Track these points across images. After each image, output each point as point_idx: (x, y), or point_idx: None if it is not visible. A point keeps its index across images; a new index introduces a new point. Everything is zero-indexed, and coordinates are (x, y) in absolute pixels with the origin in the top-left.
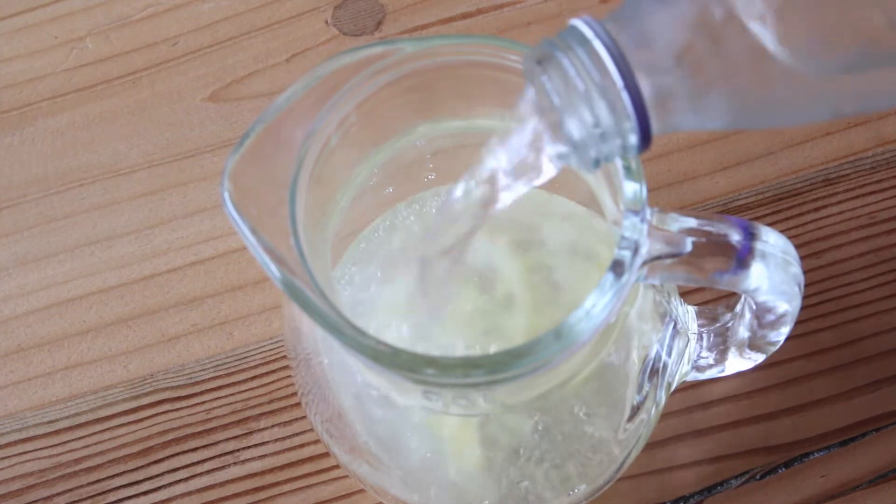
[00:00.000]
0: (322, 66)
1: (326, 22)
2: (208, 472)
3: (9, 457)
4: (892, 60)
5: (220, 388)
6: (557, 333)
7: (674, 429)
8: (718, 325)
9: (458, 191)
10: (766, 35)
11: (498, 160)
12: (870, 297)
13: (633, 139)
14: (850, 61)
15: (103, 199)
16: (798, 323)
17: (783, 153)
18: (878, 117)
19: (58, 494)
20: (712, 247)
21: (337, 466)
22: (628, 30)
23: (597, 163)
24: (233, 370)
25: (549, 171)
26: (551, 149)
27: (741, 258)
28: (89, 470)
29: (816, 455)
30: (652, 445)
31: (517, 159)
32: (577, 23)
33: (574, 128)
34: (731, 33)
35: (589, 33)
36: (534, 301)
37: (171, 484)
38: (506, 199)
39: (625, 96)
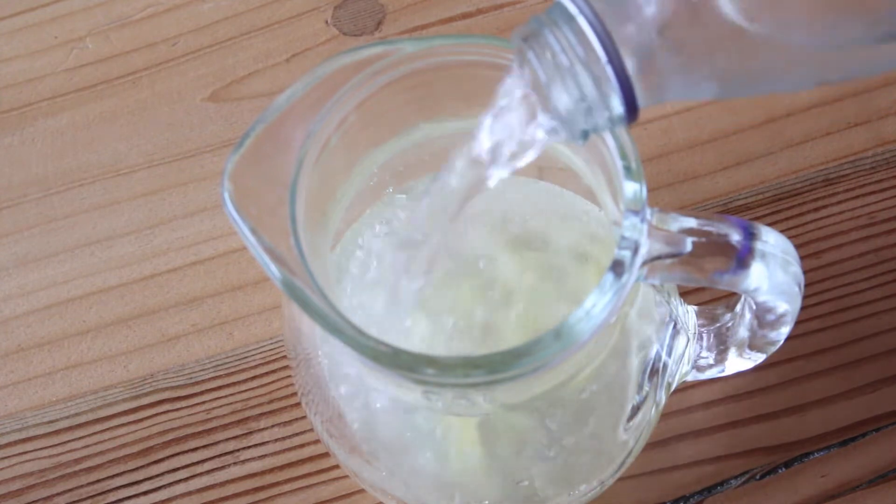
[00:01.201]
0: (322, 66)
1: (326, 22)
2: (208, 472)
3: (9, 457)
4: (874, 33)
5: (220, 388)
6: (557, 333)
7: (674, 429)
8: (718, 325)
9: (449, 169)
10: (749, 12)
11: (489, 136)
12: (870, 297)
13: (619, 111)
14: (833, 37)
15: (103, 199)
16: (798, 323)
17: (783, 153)
18: (878, 117)
19: (58, 494)
20: (712, 247)
21: (337, 466)
22: (614, 3)
23: (585, 135)
24: (233, 370)
25: (538, 146)
26: (541, 122)
27: (741, 258)
28: (89, 470)
29: (816, 455)
30: (652, 445)
31: (508, 135)
32: (563, 0)
33: (561, 102)
34: (714, 6)
35: (573, 9)
36: (532, 298)
37: (171, 484)
38: (496, 177)
39: (608, 70)
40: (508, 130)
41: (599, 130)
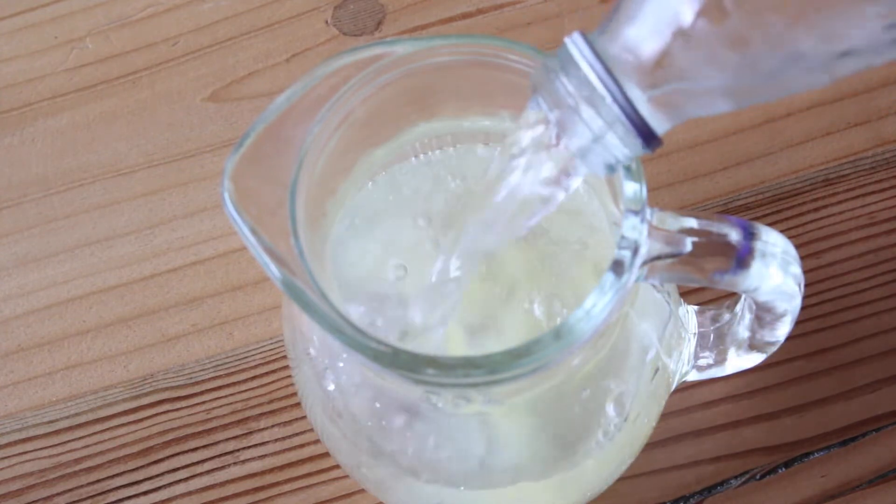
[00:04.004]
0: (322, 66)
1: (326, 22)
2: (208, 472)
3: (9, 457)
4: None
5: (220, 388)
6: (557, 333)
7: (674, 429)
8: (718, 325)
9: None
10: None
11: (523, 177)
12: (870, 297)
13: (638, 144)
14: (828, 35)
15: (103, 199)
16: (798, 323)
17: (783, 153)
18: (877, 117)
19: (58, 494)
20: (712, 247)
21: (337, 466)
22: (617, 37)
23: (611, 169)
24: (233, 370)
25: (573, 181)
26: (566, 160)
27: (741, 258)
28: (89, 470)
29: (816, 455)
30: (652, 445)
31: (539, 178)
32: (567, 42)
33: (577, 142)
34: (706, 27)
35: (575, 53)
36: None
37: (171, 484)
38: (542, 210)
39: (616, 110)
40: (538, 175)
41: (625, 162)
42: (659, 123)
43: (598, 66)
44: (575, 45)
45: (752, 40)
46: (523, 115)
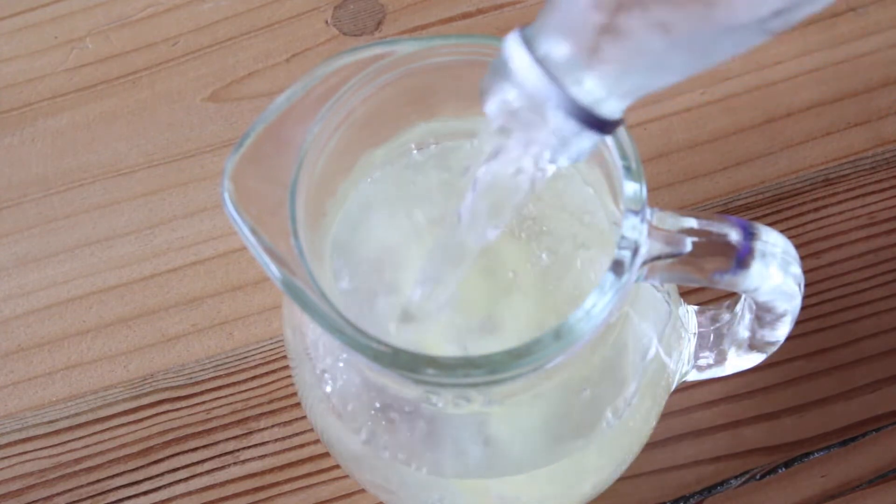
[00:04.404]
0: (322, 66)
1: (326, 22)
2: (208, 472)
3: (9, 457)
4: None
5: (220, 388)
6: (557, 333)
7: (674, 429)
8: (718, 325)
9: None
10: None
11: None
12: (870, 297)
13: (595, 134)
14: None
15: (103, 199)
16: (798, 323)
17: (783, 153)
18: (877, 117)
19: (58, 494)
20: (712, 247)
21: (337, 466)
22: (549, 30)
23: (583, 154)
24: (233, 370)
25: (549, 169)
26: (533, 155)
27: (741, 258)
28: (89, 470)
29: (816, 455)
30: (652, 445)
31: (512, 170)
32: (504, 44)
33: (536, 142)
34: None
35: (513, 57)
36: (534, 290)
37: (171, 484)
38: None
39: (561, 115)
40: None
41: (585, 151)
42: (611, 107)
43: (536, 70)
44: (511, 47)
45: (676, 26)
46: (483, 120)
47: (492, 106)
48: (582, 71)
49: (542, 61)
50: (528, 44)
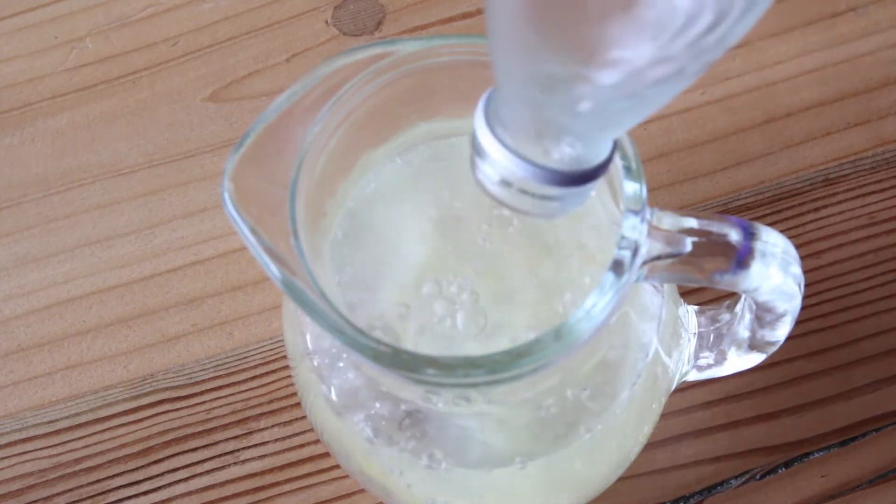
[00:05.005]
0: (322, 66)
1: (326, 22)
2: (208, 472)
3: (9, 457)
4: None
5: (220, 388)
6: (557, 333)
7: (674, 429)
8: (718, 325)
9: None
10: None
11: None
12: (870, 297)
13: (582, 189)
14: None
15: (103, 199)
16: (798, 323)
17: (783, 153)
18: (878, 117)
19: (58, 494)
20: (712, 247)
21: (337, 466)
22: (497, 118)
23: (583, 201)
24: (233, 370)
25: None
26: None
27: (741, 258)
28: (89, 470)
29: (816, 455)
30: (652, 445)
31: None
32: (474, 120)
33: (531, 210)
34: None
35: (478, 132)
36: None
37: (171, 484)
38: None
39: (538, 181)
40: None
41: (589, 192)
42: (592, 155)
43: (504, 152)
44: (478, 125)
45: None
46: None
47: (483, 182)
48: (544, 143)
49: (504, 141)
50: (490, 123)
